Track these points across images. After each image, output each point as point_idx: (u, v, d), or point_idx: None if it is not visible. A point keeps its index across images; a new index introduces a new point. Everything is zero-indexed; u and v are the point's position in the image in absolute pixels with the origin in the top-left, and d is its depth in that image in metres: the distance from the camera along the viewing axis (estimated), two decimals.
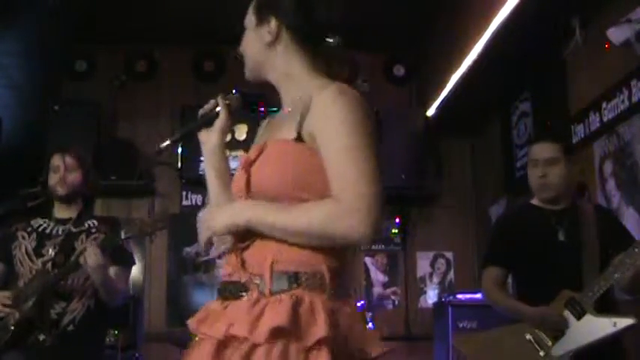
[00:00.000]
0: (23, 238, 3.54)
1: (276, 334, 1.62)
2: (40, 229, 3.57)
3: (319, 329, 1.64)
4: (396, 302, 6.90)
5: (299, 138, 1.78)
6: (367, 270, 6.89)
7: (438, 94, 6.32)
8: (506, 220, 3.86)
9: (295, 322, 1.64)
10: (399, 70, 7.18)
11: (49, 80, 6.25)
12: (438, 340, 5.68)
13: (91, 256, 3.24)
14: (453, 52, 5.78)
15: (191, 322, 1.81)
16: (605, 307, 3.22)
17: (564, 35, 4.96)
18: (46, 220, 3.61)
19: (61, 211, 3.63)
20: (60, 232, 3.55)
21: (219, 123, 2.06)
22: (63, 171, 3.56)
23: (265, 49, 1.95)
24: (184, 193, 6.82)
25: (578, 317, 3.19)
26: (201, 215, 1.88)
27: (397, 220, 6.93)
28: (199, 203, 6.72)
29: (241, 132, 6.28)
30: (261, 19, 1.96)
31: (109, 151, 6.49)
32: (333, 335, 1.64)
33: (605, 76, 4.60)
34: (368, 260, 6.92)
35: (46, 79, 6.14)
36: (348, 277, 1.85)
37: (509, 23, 4.77)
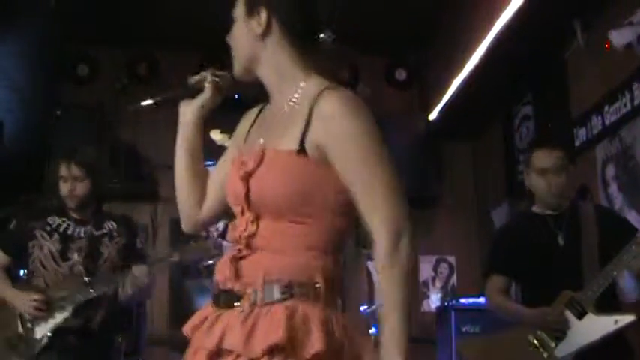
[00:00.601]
0: (43, 237, 3.57)
1: (272, 350, 1.61)
2: (61, 230, 3.61)
3: (315, 342, 1.62)
4: None
5: (301, 150, 1.73)
6: (370, 274, 6.88)
7: (440, 98, 6.32)
8: (507, 229, 3.92)
9: (290, 335, 1.62)
10: (401, 74, 7.17)
11: (51, 83, 6.25)
12: (441, 345, 5.68)
13: (141, 277, 3.45)
14: (455, 55, 5.78)
15: (186, 327, 1.80)
16: (607, 305, 3.22)
17: (566, 38, 4.96)
18: (65, 220, 3.64)
19: (76, 213, 3.67)
20: (82, 234, 3.61)
21: (201, 97, 1.99)
22: (71, 182, 3.59)
23: (255, 42, 1.85)
24: None
25: (579, 317, 3.20)
26: None
27: None
28: None
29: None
30: (252, 10, 1.85)
31: (111, 155, 6.49)
32: (328, 346, 1.62)
33: (607, 79, 4.60)
34: (371, 264, 6.90)
35: (48, 83, 6.14)
36: (346, 284, 1.83)
37: (510, 26, 4.78)
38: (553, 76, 5.40)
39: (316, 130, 1.72)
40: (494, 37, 4.99)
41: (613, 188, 4.58)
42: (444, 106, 6.35)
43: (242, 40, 1.89)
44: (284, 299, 1.68)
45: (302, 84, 1.83)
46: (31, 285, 3.55)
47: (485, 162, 7.10)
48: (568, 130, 5.03)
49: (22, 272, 3.82)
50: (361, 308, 5.73)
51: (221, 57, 6.77)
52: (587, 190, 4.78)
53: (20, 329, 3.47)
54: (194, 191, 2.02)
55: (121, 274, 3.51)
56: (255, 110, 2.01)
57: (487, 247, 6.53)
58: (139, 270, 3.45)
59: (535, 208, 3.56)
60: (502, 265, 3.58)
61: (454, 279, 7.00)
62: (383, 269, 1.66)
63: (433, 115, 6.62)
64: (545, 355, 3.23)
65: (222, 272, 1.78)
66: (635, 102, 4.25)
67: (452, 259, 7.05)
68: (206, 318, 1.77)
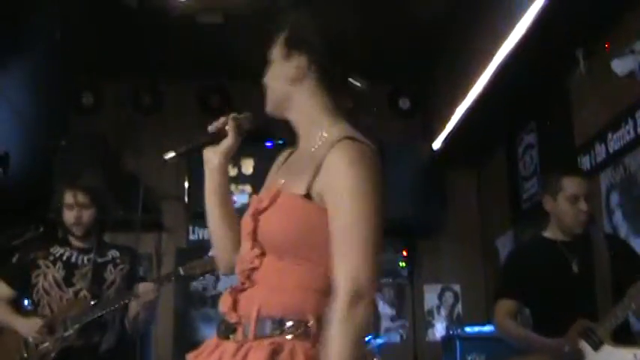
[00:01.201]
0: (47, 267, 3.57)
1: None
2: (65, 258, 3.60)
3: None
4: (404, 336, 6.85)
5: (308, 195, 1.76)
6: (374, 305, 6.85)
7: (444, 127, 6.34)
8: (519, 253, 3.87)
9: None
10: (405, 103, 7.21)
11: (56, 113, 6.29)
12: None
13: (147, 293, 3.43)
14: (458, 84, 5.80)
15: (190, 354, 1.83)
16: (622, 337, 3.19)
17: (568, 67, 4.98)
18: (67, 248, 3.64)
19: (79, 241, 3.66)
20: (86, 262, 3.60)
21: (225, 143, 2.00)
22: (77, 209, 3.58)
23: (290, 85, 1.90)
24: (191, 228, 6.81)
25: (595, 348, 3.16)
26: None
27: (404, 253, 6.90)
28: (206, 237, 6.70)
29: (247, 166, 6.28)
30: (290, 54, 1.90)
31: (115, 184, 6.49)
32: None
33: (610, 106, 4.60)
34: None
35: (53, 113, 6.18)
36: None
37: (513, 55, 4.80)
38: (556, 104, 5.41)
39: (321, 178, 1.76)
40: (498, 66, 5.01)
41: (618, 216, 4.57)
42: (447, 134, 6.37)
43: (277, 82, 1.93)
44: (274, 335, 1.71)
45: (325, 133, 1.86)
46: (36, 313, 3.53)
47: (489, 190, 7.09)
48: (572, 158, 5.03)
49: (26, 302, 3.81)
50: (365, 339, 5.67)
51: (222, 87, 6.88)
52: (592, 218, 4.77)
53: (24, 354, 3.45)
54: (227, 237, 2.02)
55: (127, 293, 3.49)
56: (289, 150, 2.04)
57: (492, 275, 6.54)
58: (144, 287, 3.44)
59: (547, 234, 3.54)
60: (513, 290, 3.54)
61: (459, 307, 6.96)
62: (338, 322, 1.64)
63: (437, 144, 6.64)
64: None
65: (225, 303, 1.82)
66: (639, 129, 4.25)
67: (457, 287, 7.02)
68: (207, 348, 1.81)
